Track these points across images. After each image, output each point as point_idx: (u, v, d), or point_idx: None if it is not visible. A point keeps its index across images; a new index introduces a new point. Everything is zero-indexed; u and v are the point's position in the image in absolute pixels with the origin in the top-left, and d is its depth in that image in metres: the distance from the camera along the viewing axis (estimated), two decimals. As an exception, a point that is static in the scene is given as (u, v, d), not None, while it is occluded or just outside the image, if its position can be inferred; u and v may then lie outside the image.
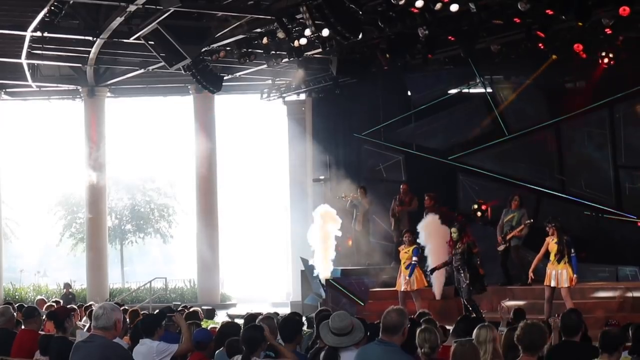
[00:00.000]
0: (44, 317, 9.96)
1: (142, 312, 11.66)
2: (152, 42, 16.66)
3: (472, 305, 14.52)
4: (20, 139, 45.93)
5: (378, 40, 16.71)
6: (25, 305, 11.45)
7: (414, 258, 15.49)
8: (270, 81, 22.34)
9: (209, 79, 18.15)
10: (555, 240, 13.75)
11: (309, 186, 21.40)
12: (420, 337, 6.66)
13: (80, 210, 37.83)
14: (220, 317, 17.67)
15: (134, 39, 16.65)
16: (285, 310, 14.94)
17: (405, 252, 15.72)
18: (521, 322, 6.51)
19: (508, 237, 16.39)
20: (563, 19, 13.72)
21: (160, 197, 43.15)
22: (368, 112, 20.60)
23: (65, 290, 21.39)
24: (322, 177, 20.40)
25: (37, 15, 15.49)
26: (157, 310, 9.83)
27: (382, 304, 13.80)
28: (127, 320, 10.36)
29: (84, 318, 12.93)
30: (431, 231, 16.19)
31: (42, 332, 9.19)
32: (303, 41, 15.41)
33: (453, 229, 14.85)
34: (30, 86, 22.54)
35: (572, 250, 13.68)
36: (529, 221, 16.31)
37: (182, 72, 17.97)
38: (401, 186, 18.70)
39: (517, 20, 15.18)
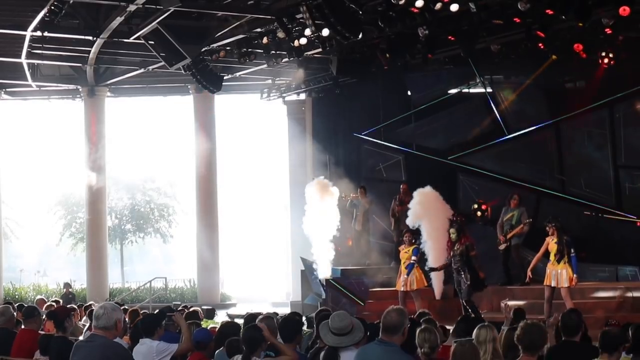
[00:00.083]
0: (44, 316, 9.96)
1: (142, 312, 11.67)
2: (152, 42, 16.66)
3: (470, 306, 14.52)
4: (20, 139, 46.00)
5: (378, 40, 16.71)
6: (25, 305, 11.44)
7: (413, 257, 15.50)
8: (270, 81, 22.35)
9: (209, 79, 18.15)
10: (555, 240, 13.75)
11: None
12: (420, 337, 6.66)
13: (80, 210, 37.82)
14: (220, 317, 17.69)
15: (134, 39, 16.65)
16: (285, 310, 14.94)
17: (405, 252, 15.73)
18: (521, 322, 6.52)
19: (509, 236, 16.39)
20: (563, 19, 13.71)
21: (160, 196, 43.15)
22: (368, 111, 20.60)
23: (65, 290, 21.39)
24: (322, 177, 20.40)
25: (37, 15, 15.48)
26: (157, 310, 9.83)
27: (382, 303, 13.78)
28: (127, 320, 10.36)
29: (84, 318, 12.94)
30: (429, 206, 16.19)
31: (42, 332, 9.20)
32: (303, 41, 15.42)
33: (452, 230, 14.86)
34: (30, 86, 22.54)
35: (572, 250, 13.68)
36: (528, 220, 16.31)
37: (182, 71, 17.97)
38: (401, 186, 18.69)
39: (517, 20, 15.18)
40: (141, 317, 10.06)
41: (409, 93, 20.72)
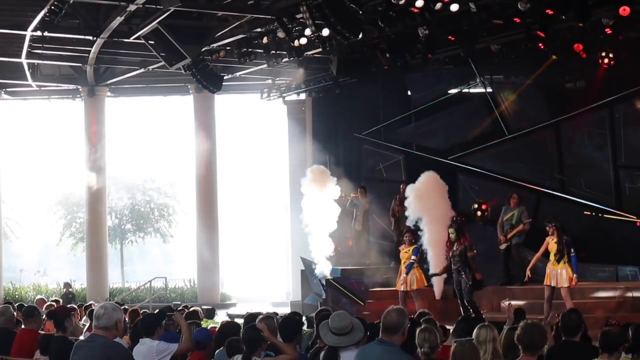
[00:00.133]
0: (44, 316, 9.95)
1: (142, 312, 11.67)
2: (152, 42, 16.66)
3: (472, 306, 14.52)
4: (20, 139, 46.00)
5: (378, 40, 16.71)
6: (25, 305, 11.43)
7: (413, 257, 15.50)
8: (270, 81, 22.35)
9: (209, 79, 18.16)
10: (555, 240, 13.75)
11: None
12: (420, 336, 6.67)
13: (80, 210, 37.80)
14: (220, 317, 17.68)
15: (134, 39, 16.65)
16: (285, 310, 14.95)
17: (406, 252, 15.72)
18: (521, 322, 6.52)
19: (509, 236, 16.39)
20: (563, 18, 13.71)
21: (160, 196, 43.13)
22: (368, 111, 20.60)
23: (65, 289, 21.38)
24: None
25: (37, 15, 15.49)
26: (157, 310, 9.83)
27: (382, 303, 13.79)
28: (127, 320, 10.37)
29: (84, 317, 12.95)
30: (428, 189, 16.20)
31: (42, 332, 9.20)
32: (303, 41, 15.42)
33: (451, 230, 14.86)
34: (30, 86, 22.54)
35: (572, 250, 13.68)
36: (528, 220, 16.32)
37: (182, 71, 17.97)
38: (401, 186, 18.66)
39: (517, 20, 15.18)
40: (141, 317, 10.06)
41: (409, 93, 20.73)
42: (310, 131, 21.95)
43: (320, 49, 16.07)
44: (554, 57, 17.35)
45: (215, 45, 17.22)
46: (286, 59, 17.61)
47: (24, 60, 19.59)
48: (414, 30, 15.04)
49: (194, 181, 24.01)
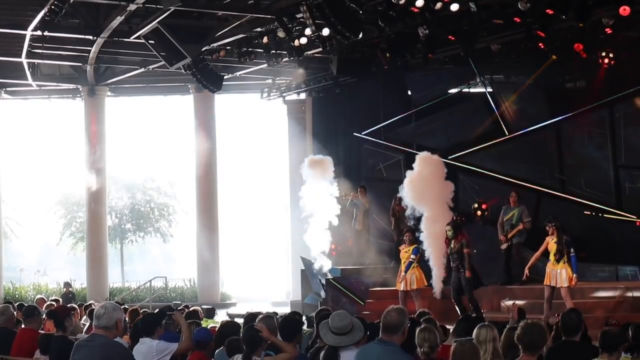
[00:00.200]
0: (44, 316, 9.96)
1: (142, 311, 11.67)
2: (153, 41, 16.66)
3: (473, 304, 14.52)
4: (21, 138, 46.01)
5: (378, 39, 16.71)
6: (25, 304, 11.44)
7: (412, 256, 15.49)
8: (270, 80, 22.35)
9: (209, 78, 18.15)
10: (555, 239, 13.75)
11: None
12: (420, 336, 6.66)
13: (80, 210, 37.81)
14: (220, 317, 17.68)
15: (134, 38, 16.66)
16: (285, 310, 14.95)
17: (406, 252, 15.71)
18: (521, 321, 6.52)
19: (509, 235, 16.40)
20: (563, 18, 13.71)
21: (160, 196, 43.13)
22: (368, 111, 20.60)
23: (65, 289, 21.37)
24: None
25: (37, 15, 15.49)
26: (157, 310, 9.83)
27: (382, 303, 13.80)
28: (127, 319, 10.36)
29: (84, 317, 12.94)
30: (427, 172, 16.13)
31: (42, 331, 9.20)
32: (303, 40, 15.42)
33: (447, 227, 14.84)
34: (30, 85, 22.55)
35: (572, 250, 13.68)
36: (527, 220, 16.32)
37: (182, 71, 17.97)
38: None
39: (517, 19, 15.17)
40: (141, 316, 10.06)
41: (409, 93, 20.72)
42: (310, 131, 21.95)
43: (320, 49, 16.08)
44: (554, 57, 17.34)
45: (215, 44, 17.22)
46: (286, 59, 17.61)
47: (24, 59, 19.59)
48: (414, 30, 15.04)
49: (194, 181, 24.01)
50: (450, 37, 16.41)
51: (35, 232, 49.04)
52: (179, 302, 18.48)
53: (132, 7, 14.32)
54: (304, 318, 9.77)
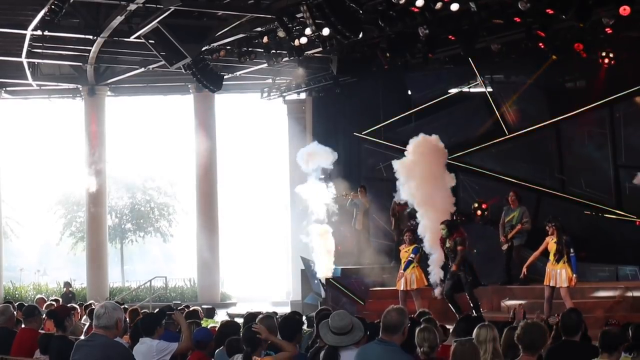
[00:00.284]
0: (44, 316, 9.96)
1: (142, 311, 11.67)
2: (153, 41, 16.67)
3: (473, 302, 14.51)
4: (21, 138, 46.01)
5: (378, 39, 16.72)
6: (25, 304, 11.44)
7: (412, 255, 15.48)
8: (270, 80, 22.34)
9: (209, 78, 18.16)
10: (555, 239, 13.74)
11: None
12: (420, 336, 6.66)
13: (80, 209, 37.82)
14: (220, 316, 17.68)
15: (135, 38, 16.65)
16: (285, 310, 14.94)
17: (406, 252, 15.70)
18: (521, 321, 6.52)
19: (509, 236, 16.40)
20: (563, 18, 13.72)
21: (161, 196, 43.15)
22: (368, 111, 20.60)
23: (65, 289, 21.38)
24: (322, 177, 20.39)
25: (38, 14, 15.49)
26: (157, 309, 9.83)
27: (382, 303, 13.79)
28: (127, 319, 10.36)
29: (84, 317, 12.94)
30: (423, 152, 16.04)
31: (42, 331, 9.20)
32: (303, 40, 15.42)
33: (442, 226, 14.80)
34: (30, 85, 22.55)
35: (572, 250, 13.67)
36: (526, 221, 16.30)
37: (183, 71, 17.97)
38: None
39: (517, 19, 15.18)
40: (141, 316, 10.06)
41: (409, 92, 20.72)
42: (310, 131, 21.94)
43: (320, 49, 16.08)
44: (554, 57, 17.34)
45: (215, 44, 17.22)
46: (286, 59, 17.61)
47: (24, 59, 19.59)
48: (414, 30, 15.05)
49: (194, 180, 24.01)
50: (450, 37, 16.41)
51: (35, 232, 49.09)
52: (179, 302, 18.47)
53: (132, 6, 14.32)
54: (304, 318, 9.76)
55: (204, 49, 17.00)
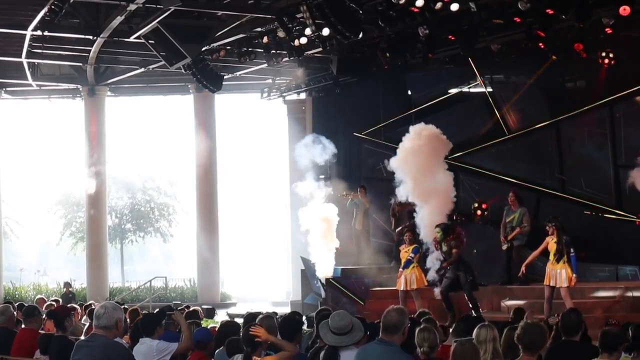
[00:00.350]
0: (44, 316, 9.96)
1: (142, 312, 11.67)
2: (153, 41, 16.67)
3: (472, 302, 14.51)
4: (21, 138, 46.02)
5: (378, 39, 16.72)
6: (25, 304, 11.44)
7: (411, 255, 15.48)
8: (270, 80, 22.34)
9: (209, 78, 18.16)
10: (555, 239, 13.74)
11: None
12: (420, 336, 6.67)
13: (80, 210, 37.83)
14: (220, 316, 17.68)
15: (134, 38, 16.66)
16: (285, 310, 14.95)
17: (406, 252, 15.70)
18: (521, 321, 6.52)
19: (509, 237, 16.39)
20: (563, 18, 13.71)
21: (161, 196, 43.16)
22: (368, 111, 20.61)
23: (65, 289, 21.38)
24: (322, 176, 20.40)
25: (38, 14, 15.49)
26: (157, 310, 9.83)
27: (382, 303, 13.78)
28: (127, 319, 10.36)
29: (84, 317, 12.94)
30: (423, 141, 16.03)
31: (42, 332, 9.20)
32: (303, 40, 15.42)
33: (436, 229, 14.79)
34: (30, 85, 22.55)
35: (572, 250, 13.67)
36: (525, 225, 16.28)
37: (182, 71, 17.97)
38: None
39: (517, 19, 15.17)
40: (141, 316, 10.06)
41: (409, 92, 20.72)
42: (310, 131, 21.90)
43: (320, 49, 16.08)
44: (554, 57, 17.34)
45: (215, 44, 17.22)
46: (286, 59, 17.61)
47: (24, 59, 19.59)
48: (414, 30, 15.04)
49: (194, 180, 24.02)
50: (450, 37, 16.41)
51: (35, 232, 49.08)
52: (179, 302, 18.47)
53: (132, 7, 14.31)
54: (304, 318, 9.77)
55: (203, 49, 17.00)
